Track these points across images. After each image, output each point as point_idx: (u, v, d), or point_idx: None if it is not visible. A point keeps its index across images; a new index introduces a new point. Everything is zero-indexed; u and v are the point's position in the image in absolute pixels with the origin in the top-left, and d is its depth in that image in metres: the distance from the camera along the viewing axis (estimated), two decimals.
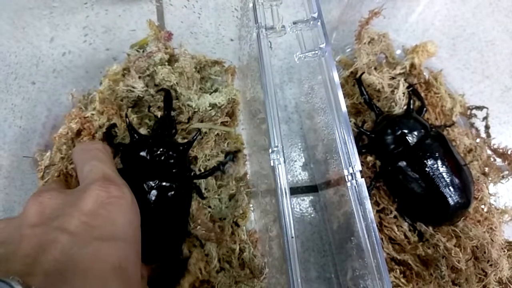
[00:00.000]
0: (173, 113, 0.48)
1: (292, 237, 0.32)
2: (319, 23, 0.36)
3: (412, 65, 0.55)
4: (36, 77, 0.55)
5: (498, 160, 0.53)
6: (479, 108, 0.55)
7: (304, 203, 0.55)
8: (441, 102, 0.53)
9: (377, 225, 0.47)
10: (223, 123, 0.50)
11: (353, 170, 0.33)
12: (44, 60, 0.56)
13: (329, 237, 0.52)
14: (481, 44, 0.60)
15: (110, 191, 0.32)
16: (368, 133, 0.49)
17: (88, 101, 0.51)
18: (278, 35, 0.38)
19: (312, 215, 0.54)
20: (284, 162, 0.33)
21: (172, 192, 0.40)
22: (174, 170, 0.42)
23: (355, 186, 0.34)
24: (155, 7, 0.61)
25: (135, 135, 0.43)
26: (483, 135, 0.55)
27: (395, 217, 0.48)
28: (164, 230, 0.41)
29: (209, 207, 0.47)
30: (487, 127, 0.54)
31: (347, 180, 0.34)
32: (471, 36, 0.60)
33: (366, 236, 0.33)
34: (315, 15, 0.36)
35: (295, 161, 0.57)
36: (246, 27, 0.45)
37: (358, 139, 0.51)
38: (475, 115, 0.56)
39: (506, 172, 0.51)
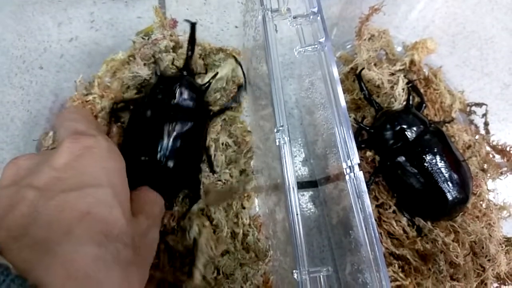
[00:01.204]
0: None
1: (297, 214, 0.32)
2: (318, 18, 0.37)
3: (412, 62, 0.55)
4: (43, 63, 0.56)
5: (497, 156, 0.53)
6: (478, 105, 0.55)
7: (304, 198, 0.55)
8: (440, 98, 0.53)
9: (376, 220, 0.48)
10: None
11: (352, 163, 0.34)
12: (52, 45, 0.57)
13: (328, 232, 0.53)
14: (480, 42, 0.60)
15: (80, 142, 0.32)
16: (368, 128, 0.49)
17: (92, 85, 0.52)
18: (283, 17, 0.38)
19: (312, 210, 0.54)
20: (289, 141, 0.33)
21: (192, 128, 0.43)
22: (194, 108, 0.44)
23: (353, 179, 0.34)
24: None
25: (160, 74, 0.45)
26: (482, 131, 0.55)
27: (394, 212, 0.48)
28: (185, 163, 0.44)
29: (220, 181, 0.48)
30: (486, 124, 0.55)
31: (345, 173, 0.34)
32: (471, 34, 0.60)
33: (364, 229, 0.33)
34: (315, 9, 0.37)
35: (295, 156, 0.57)
36: (251, 11, 0.45)
37: (357, 134, 0.51)
38: (474, 112, 0.56)
39: (505, 169, 0.51)
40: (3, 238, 0.25)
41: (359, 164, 0.34)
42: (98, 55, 0.58)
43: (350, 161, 0.34)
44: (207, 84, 0.48)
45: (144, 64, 0.49)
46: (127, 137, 0.46)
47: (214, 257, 0.43)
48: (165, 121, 0.42)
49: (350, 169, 0.34)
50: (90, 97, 0.48)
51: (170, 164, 0.42)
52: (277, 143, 0.33)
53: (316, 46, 0.37)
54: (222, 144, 0.50)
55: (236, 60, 0.51)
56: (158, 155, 0.42)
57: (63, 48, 0.58)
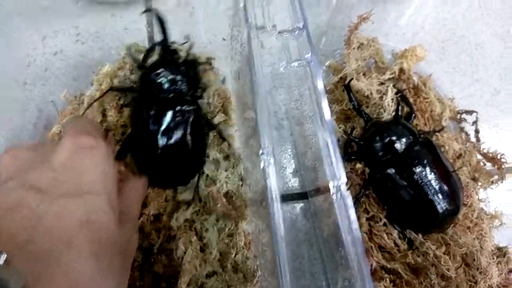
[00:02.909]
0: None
1: (281, 237, 0.32)
2: (304, 33, 0.36)
3: (401, 70, 0.54)
4: (27, 77, 0.55)
5: (488, 164, 0.53)
6: (469, 112, 0.55)
7: (294, 210, 0.54)
8: (430, 107, 0.53)
9: (367, 233, 0.48)
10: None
11: (338, 183, 0.33)
12: (37, 58, 0.56)
13: (319, 244, 0.52)
14: (470, 47, 0.60)
15: (81, 141, 0.33)
16: (357, 140, 0.48)
17: (80, 101, 0.52)
18: (268, 34, 0.37)
19: (303, 223, 0.54)
20: (275, 163, 0.33)
21: (191, 114, 0.43)
22: (186, 93, 0.43)
23: (340, 199, 0.33)
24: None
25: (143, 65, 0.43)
26: (473, 139, 0.55)
27: (384, 224, 0.48)
28: (190, 152, 0.44)
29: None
30: (476, 132, 0.54)
31: (331, 193, 0.34)
32: (461, 39, 0.60)
33: (351, 250, 0.32)
34: (301, 25, 0.36)
35: (286, 167, 0.57)
36: (238, 27, 0.45)
37: (347, 146, 0.51)
38: (465, 120, 0.55)
39: (496, 177, 0.51)
40: (7, 244, 0.25)
41: (346, 182, 0.34)
42: (84, 68, 0.57)
43: (337, 180, 0.33)
44: (189, 57, 0.45)
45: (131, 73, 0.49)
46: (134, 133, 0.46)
47: (198, 276, 0.42)
48: (164, 111, 0.42)
49: (337, 189, 0.33)
50: (81, 113, 0.48)
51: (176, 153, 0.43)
52: (261, 166, 0.32)
53: (302, 61, 0.36)
54: (213, 159, 0.49)
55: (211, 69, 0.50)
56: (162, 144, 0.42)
57: (48, 61, 0.57)
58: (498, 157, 0.52)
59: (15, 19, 0.58)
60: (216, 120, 0.51)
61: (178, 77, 0.43)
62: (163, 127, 0.42)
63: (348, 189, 0.49)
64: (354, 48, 0.54)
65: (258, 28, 0.37)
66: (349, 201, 0.32)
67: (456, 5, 0.60)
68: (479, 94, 0.58)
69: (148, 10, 0.45)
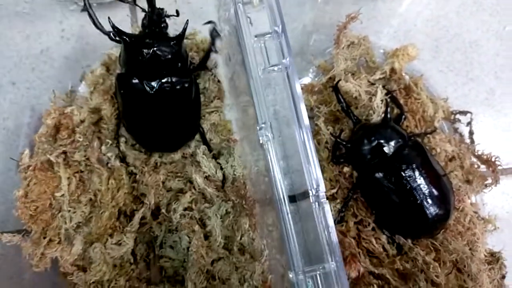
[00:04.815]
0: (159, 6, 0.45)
1: (288, 213, 0.34)
2: (283, 38, 0.35)
3: (393, 70, 0.52)
4: (14, 78, 0.55)
5: (482, 166, 0.51)
6: (463, 113, 0.53)
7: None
8: (422, 108, 0.51)
9: (355, 238, 0.47)
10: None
11: (317, 193, 0.32)
12: (22, 59, 0.56)
13: (307, 249, 0.51)
14: (465, 45, 0.58)
15: None
16: (344, 143, 0.47)
17: (71, 98, 0.52)
18: (256, 9, 0.37)
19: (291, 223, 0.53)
20: (273, 138, 0.32)
21: (180, 85, 0.44)
22: (174, 64, 0.43)
23: (319, 209, 0.32)
24: None
25: (125, 37, 0.42)
26: (467, 140, 0.53)
27: (373, 229, 0.47)
28: (186, 117, 0.47)
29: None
30: (471, 133, 0.53)
31: (311, 201, 0.33)
32: (455, 37, 0.58)
33: (330, 260, 0.31)
34: (278, 28, 0.35)
35: None
36: (224, 5, 0.45)
37: (335, 148, 0.49)
38: (459, 120, 0.54)
39: (490, 180, 0.49)
40: None
41: (330, 195, 0.33)
42: (70, 68, 0.57)
43: (316, 189, 0.32)
44: (177, 39, 0.44)
45: None
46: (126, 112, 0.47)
47: (206, 264, 0.43)
48: (151, 87, 0.43)
49: (316, 198, 0.32)
50: (68, 109, 0.49)
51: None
52: (260, 141, 0.32)
53: (280, 66, 0.35)
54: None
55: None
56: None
57: (33, 62, 0.57)
58: (493, 159, 0.50)
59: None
60: (213, 105, 0.51)
61: (167, 49, 0.42)
62: (153, 97, 0.44)
63: (336, 192, 0.49)
64: (343, 48, 0.52)
65: (244, 3, 0.36)
66: (328, 214, 0.31)
67: (449, 1, 0.58)
68: (474, 93, 0.57)
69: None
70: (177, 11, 0.44)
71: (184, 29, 0.43)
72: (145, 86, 0.43)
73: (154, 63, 0.43)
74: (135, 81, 0.43)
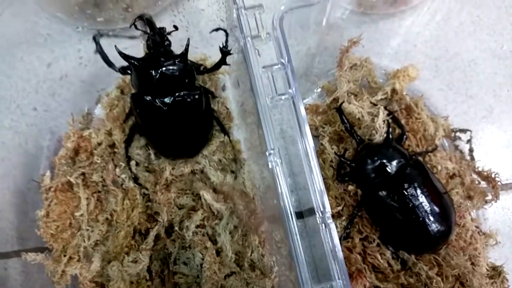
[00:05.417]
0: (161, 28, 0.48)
1: (296, 234, 0.35)
2: (289, 69, 0.37)
3: (394, 91, 0.55)
4: (35, 103, 0.57)
5: (483, 182, 0.53)
6: (463, 131, 0.55)
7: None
8: (423, 127, 0.53)
9: (360, 254, 0.48)
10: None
11: (324, 215, 0.34)
12: (42, 85, 0.58)
13: (315, 264, 0.53)
14: (463, 64, 0.60)
15: None
16: (349, 162, 0.49)
17: (88, 120, 0.56)
18: (263, 42, 0.39)
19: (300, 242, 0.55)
20: (282, 163, 0.35)
21: (191, 97, 0.47)
22: (182, 80, 0.46)
23: (325, 229, 0.34)
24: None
25: (133, 61, 0.45)
26: (468, 157, 0.55)
27: (378, 245, 0.48)
28: (200, 125, 0.50)
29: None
30: (471, 151, 0.55)
31: (318, 223, 0.35)
32: (454, 56, 0.60)
33: (337, 278, 0.33)
34: (285, 60, 0.37)
35: None
36: (233, 37, 0.47)
37: (340, 167, 0.52)
38: (459, 138, 0.56)
39: (490, 197, 0.51)
40: None
41: (333, 215, 0.35)
42: (86, 92, 0.59)
43: (322, 211, 0.34)
44: (181, 57, 0.47)
45: None
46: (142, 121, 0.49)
47: (219, 280, 0.45)
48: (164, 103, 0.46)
49: (322, 220, 0.34)
50: (86, 133, 0.52)
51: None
52: (270, 166, 0.34)
53: (286, 96, 0.37)
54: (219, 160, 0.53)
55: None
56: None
57: (52, 87, 0.59)
58: (493, 175, 0.52)
59: (17, 48, 0.60)
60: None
61: (174, 67, 0.45)
62: (168, 112, 0.47)
63: (341, 210, 0.51)
64: (346, 70, 0.55)
65: (253, 37, 0.38)
66: (334, 233, 0.33)
67: (448, 22, 0.61)
68: (473, 111, 0.59)
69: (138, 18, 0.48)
70: (175, 26, 0.47)
71: (187, 45, 0.46)
72: (159, 103, 0.46)
73: (164, 82, 0.46)
74: (149, 99, 0.46)
